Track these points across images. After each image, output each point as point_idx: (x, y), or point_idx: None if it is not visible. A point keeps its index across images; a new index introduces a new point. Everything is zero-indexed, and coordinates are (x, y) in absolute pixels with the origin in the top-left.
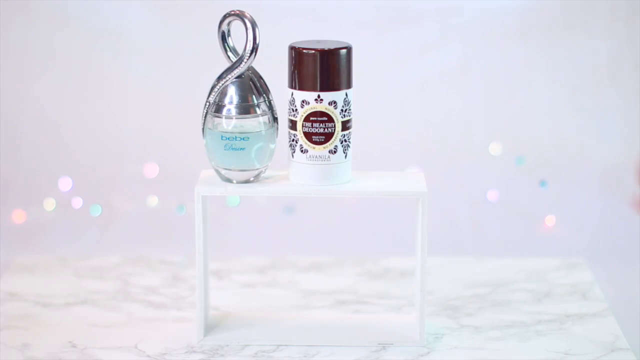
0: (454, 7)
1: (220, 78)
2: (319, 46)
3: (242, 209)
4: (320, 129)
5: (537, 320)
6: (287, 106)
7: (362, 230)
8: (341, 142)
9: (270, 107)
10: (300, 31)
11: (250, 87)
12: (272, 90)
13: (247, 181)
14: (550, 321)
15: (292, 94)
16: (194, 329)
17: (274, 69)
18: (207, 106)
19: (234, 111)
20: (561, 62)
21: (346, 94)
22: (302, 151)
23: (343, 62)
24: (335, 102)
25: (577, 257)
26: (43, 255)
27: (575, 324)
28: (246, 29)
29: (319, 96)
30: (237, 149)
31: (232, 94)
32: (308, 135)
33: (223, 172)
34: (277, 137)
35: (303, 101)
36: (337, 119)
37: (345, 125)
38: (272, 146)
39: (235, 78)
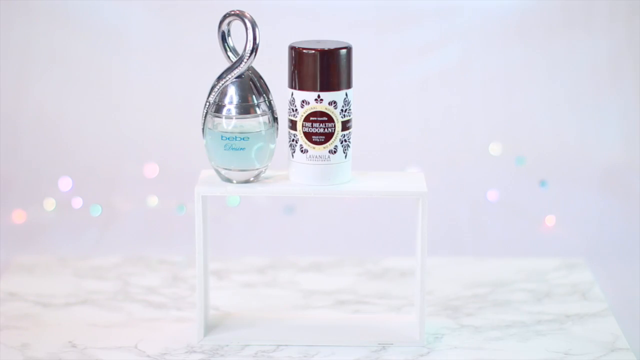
0: (454, 7)
1: (220, 78)
2: (319, 46)
3: (242, 209)
4: (320, 129)
5: (537, 320)
6: (287, 106)
7: (362, 230)
8: (341, 142)
9: (270, 107)
10: (300, 31)
11: (250, 87)
12: (272, 90)
13: (247, 181)
14: (550, 321)
15: (292, 94)
16: (194, 329)
17: (274, 69)
18: (207, 106)
19: (234, 111)
20: (561, 62)
21: (346, 94)
22: (302, 151)
23: (343, 62)
24: (335, 102)
25: (577, 257)
26: (43, 255)
27: (575, 324)
28: (246, 29)
29: (319, 96)
30: (237, 149)
31: (232, 94)
32: (308, 135)
33: (223, 172)
34: (277, 137)
35: (303, 101)
36: (337, 119)
37: (345, 125)
38: (272, 146)
39: (235, 78)
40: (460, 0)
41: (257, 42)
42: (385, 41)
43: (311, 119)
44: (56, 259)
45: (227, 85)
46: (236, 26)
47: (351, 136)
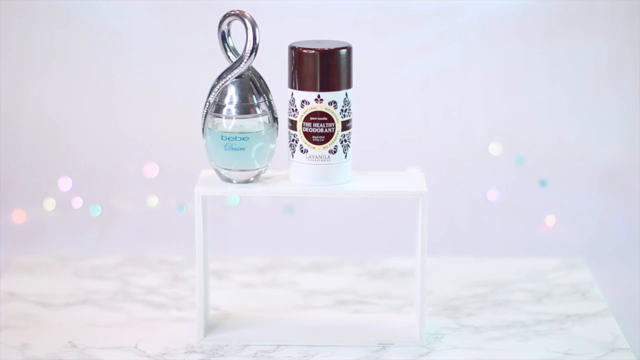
0: (454, 7)
1: (220, 78)
2: (319, 46)
3: (242, 209)
4: (320, 129)
5: (537, 320)
6: (287, 106)
7: (362, 230)
8: (341, 142)
9: (270, 107)
10: (300, 31)
11: (250, 87)
12: (272, 90)
13: (247, 181)
14: (550, 321)
15: (292, 94)
16: (194, 329)
17: (274, 69)
18: (207, 106)
19: (234, 111)
20: (561, 62)
21: (346, 94)
22: (302, 151)
23: (343, 62)
24: (335, 102)
25: (577, 257)
26: (43, 255)
27: (575, 324)
28: (246, 29)
29: (319, 96)
30: (237, 149)
31: (232, 94)
32: (308, 135)
33: (223, 172)
34: (277, 137)
35: (303, 101)
36: (337, 119)
37: (345, 125)
38: (272, 146)
39: (235, 78)
40: (460, 0)
41: (257, 42)
42: (385, 41)
43: (311, 119)
44: (56, 259)
45: (227, 85)
46: (236, 26)
47: (351, 136)
